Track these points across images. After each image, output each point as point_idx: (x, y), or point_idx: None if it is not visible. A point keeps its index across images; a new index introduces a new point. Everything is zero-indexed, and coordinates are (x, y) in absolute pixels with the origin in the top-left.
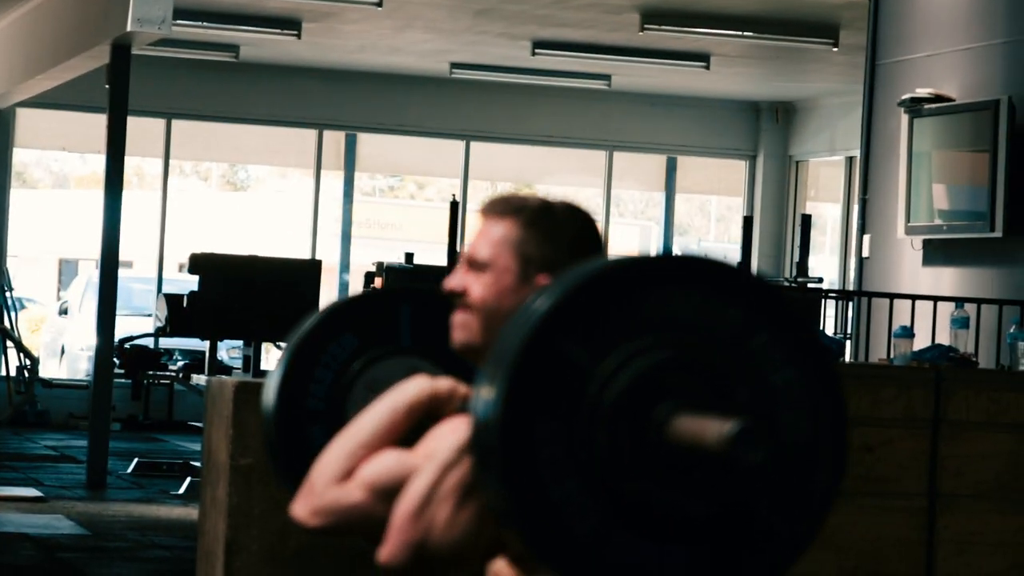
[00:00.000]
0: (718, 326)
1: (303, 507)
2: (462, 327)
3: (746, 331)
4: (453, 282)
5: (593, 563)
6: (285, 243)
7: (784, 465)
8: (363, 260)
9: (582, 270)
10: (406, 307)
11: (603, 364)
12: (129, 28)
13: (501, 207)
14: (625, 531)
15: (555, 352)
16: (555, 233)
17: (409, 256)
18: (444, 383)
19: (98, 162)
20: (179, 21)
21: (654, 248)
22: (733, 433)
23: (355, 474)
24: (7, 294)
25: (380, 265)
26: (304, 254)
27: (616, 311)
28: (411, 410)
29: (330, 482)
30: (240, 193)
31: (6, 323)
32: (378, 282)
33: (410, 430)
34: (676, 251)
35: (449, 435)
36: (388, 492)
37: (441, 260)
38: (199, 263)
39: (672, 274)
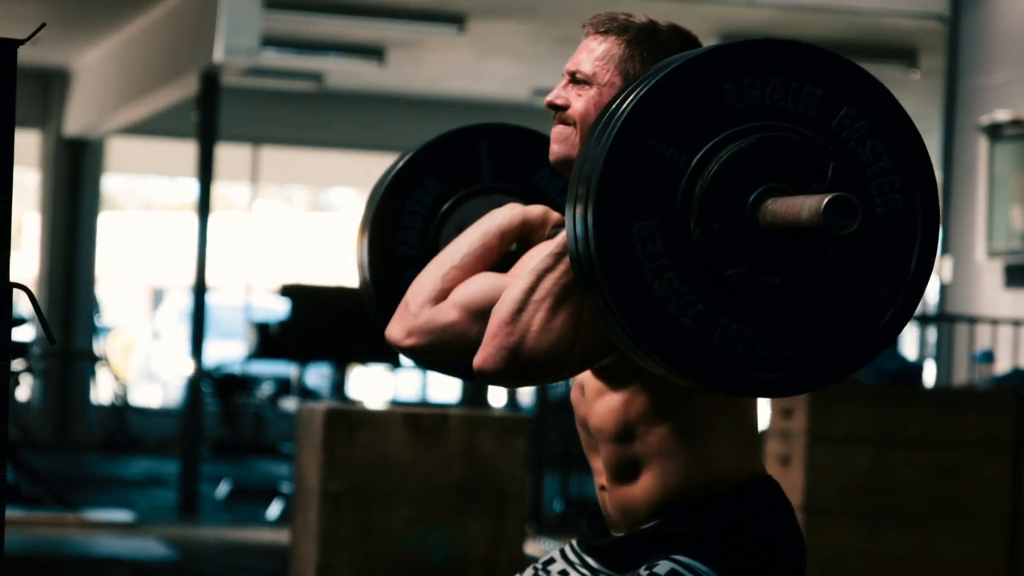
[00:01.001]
0: (801, 107)
1: (398, 328)
2: (561, 140)
3: (829, 108)
4: (554, 96)
5: (701, 353)
6: None
7: (879, 234)
8: None
9: (660, 66)
10: (483, 144)
11: (692, 156)
12: (217, 59)
13: (607, 24)
14: (730, 319)
15: (643, 147)
16: (658, 51)
17: None
18: (536, 209)
19: (186, 188)
20: (265, 48)
21: None
22: (825, 205)
23: (449, 295)
24: (96, 320)
25: None
26: None
27: (698, 103)
28: (504, 234)
29: (424, 303)
30: (324, 215)
31: (96, 349)
32: None
33: (503, 256)
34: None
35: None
36: (482, 312)
37: None
38: (290, 291)
39: (748, 58)
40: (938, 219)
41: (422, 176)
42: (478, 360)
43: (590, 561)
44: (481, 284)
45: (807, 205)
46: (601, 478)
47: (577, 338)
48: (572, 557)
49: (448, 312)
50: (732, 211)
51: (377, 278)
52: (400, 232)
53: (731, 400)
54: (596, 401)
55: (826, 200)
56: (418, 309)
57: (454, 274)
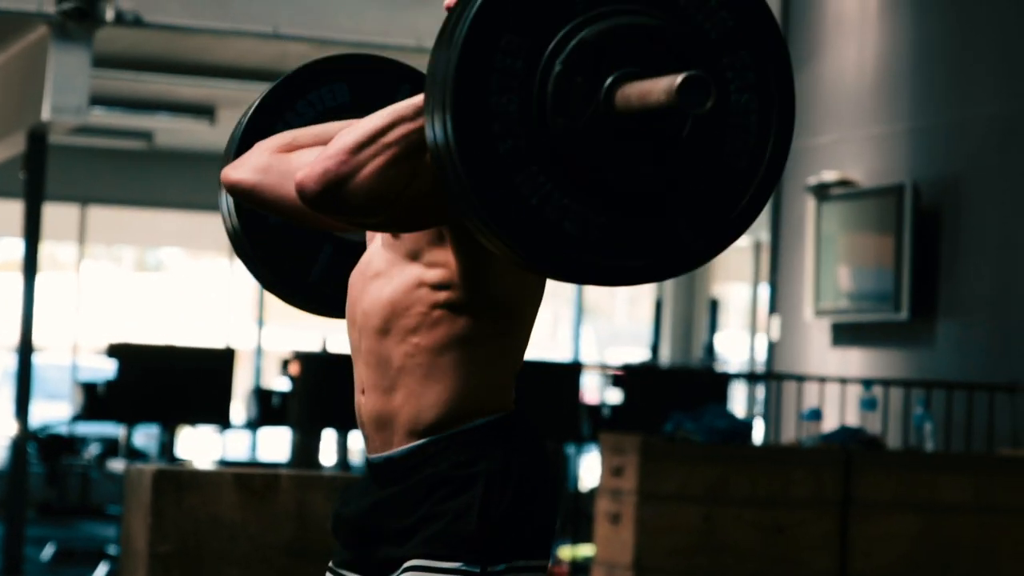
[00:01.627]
0: None
1: (234, 165)
2: None
3: None
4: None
5: (535, 225)
6: (198, 323)
7: (733, 118)
8: (278, 343)
9: None
10: (343, 79)
11: (545, 45)
12: (45, 117)
13: None
14: (585, 207)
15: (494, 45)
16: None
17: (324, 343)
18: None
19: (11, 247)
20: (93, 107)
21: (563, 331)
22: (679, 84)
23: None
24: None
25: (296, 353)
26: (217, 337)
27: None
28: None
29: (269, 149)
30: (153, 275)
31: None
32: (293, 369)
33: None
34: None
35: None
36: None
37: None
38: (117, 350)
39: None
40: (790, 70)
41: (284, 111)
42: (301, 175)
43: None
44: (335, 125)
45: (660, 85)
46: (361, 383)
47: (404, 193)
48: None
49: (286, 160)
50: (587, 104)
51: (246, 223)
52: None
53: (501, 331)
54: (372, 284)
55: (679, 79)
56: (260, 152)
57: (307, 140)
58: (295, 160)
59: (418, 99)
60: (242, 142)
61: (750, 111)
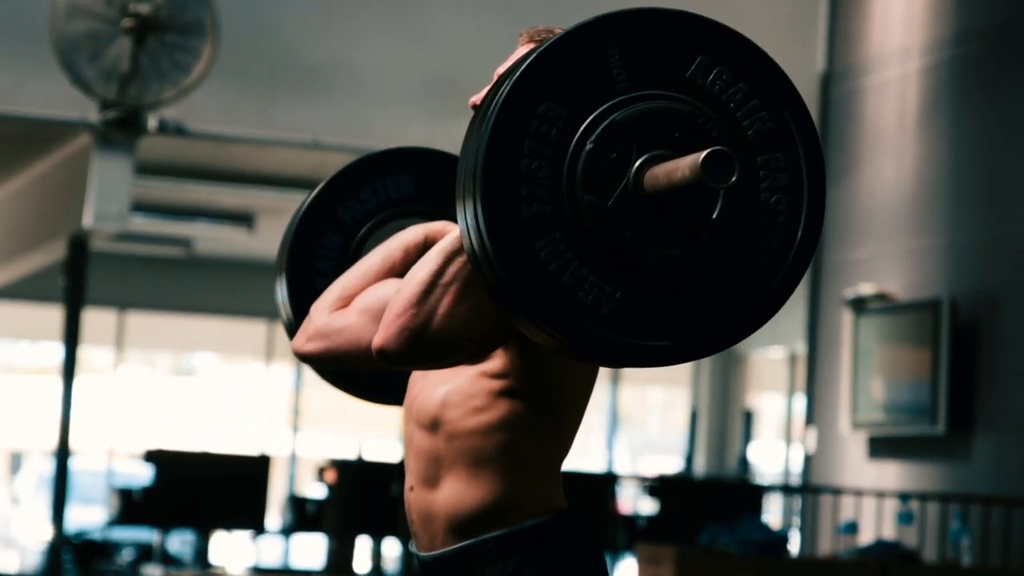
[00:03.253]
0: (683, 75)
1: (300, 336)
2: None
3: (710, 73)
4: (479, 97)
5: (594, 324)
6: (232, 428)
7: (764, 201)
8: (313, 448)
9: (551, 38)
10: (408, 172)
11: (574, 130)
12: (86, 224)
13: (541, 35)
14: (619, 289)
15: (532, 107)
16: None
17: (359, 450)
18: (437, 223)
19: (48, 352)
20: (134, 213)
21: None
22: (703, 159)
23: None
24: None
25: (332, 461)
26: (251, 442)
27: (584, 71)
28: (407, 249)
29: (324, 309)
30: (188, 380)
31: None
32: (329, 476)
33: (405, 271)
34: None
35: None
36: (380, 314)
37: (393, 452)
38: (154, 456)
39: (630, 25)
40: (823, 178)
41: (347, 196)
42: (379, 339)
43: None
44: (381, 289)
45: (686, 161)
46: (411, 477)
47: (479, 325)
48: None
49: (346, 315)
50: (617, 183)
51: (298, 312)
52: (318, 263)
53: (550, 421)
54: (429, 380)
55: (704, 155)
56: (318, 315)
57: (356, 284)
58: (355, 309)
59: (457, 232)
60: (302, 224)
61: (779, 212)
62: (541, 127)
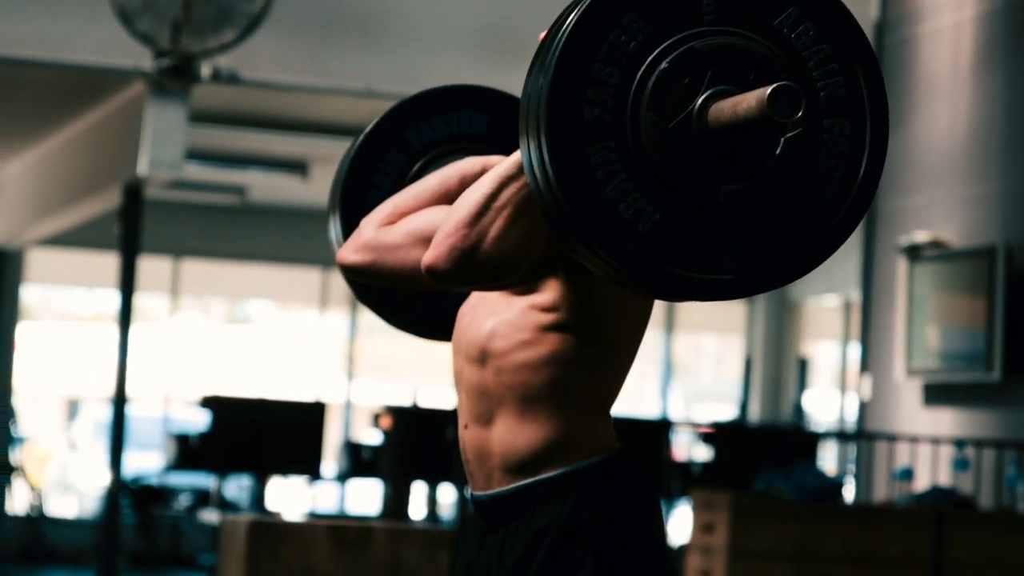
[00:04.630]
0: (771, 22)
1: (347, 247)
2: None
3: (798, 26)
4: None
5: (651, 254)
6: (288, 377)
7: (806, 187)
8: (368, 395)
9: None
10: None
11: (660, 39)
12: (141, 171)
13: None
14: (678, 221)
15: (617, 16)
16: None
17: (414, 397)
18: (496, 157)
19: (104, 299)
20: (188, 161)
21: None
22: (769, 94)
23: (400, 222)
24: (12, 430)
25: (387, 407)
26: (306, 389)
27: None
28: (463, 178)
29: (374, 225)
30: (243, 327)
31: (11, 459)
32: (385, 422)
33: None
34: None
35: None
36: (428, 239)
37: (448, 399)
38: (210, 402)
39: None
40: (883, 156)
41: (419, 120)
42: (429, 257)
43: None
44: (432, 214)
45: (753, 94)
46: (464, 416)
47: (529, 250)
48: None
49: (395, 232)
50: (682, 108)
51: (347, 219)
52: (376, 178)
53: (601, 358)
54: (479, 314)
55: (770, 89)
56: (367, 229)
57: (409, 204)
58: (404, 230)
59: (517, 156)
60: (370, 136)
61: (834, 177)
62: (621, 37)
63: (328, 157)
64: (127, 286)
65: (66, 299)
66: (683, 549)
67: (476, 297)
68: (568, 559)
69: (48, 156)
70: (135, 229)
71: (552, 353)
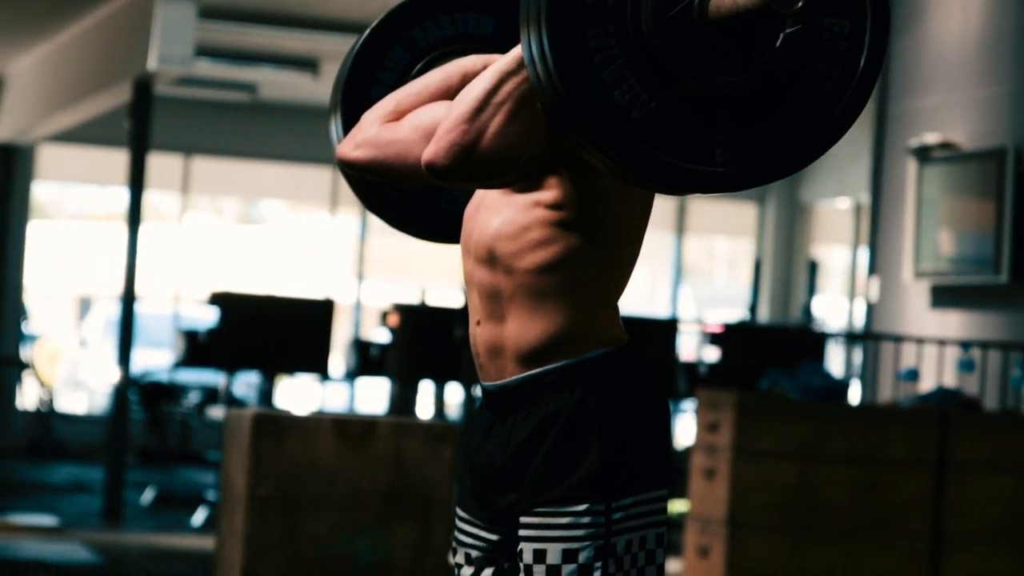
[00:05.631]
0: None
1: (347, 142)
2: None
3: None
4: None
5: (651, 146)
6: (298, 277)
7: (802, 84)
8: (377, 296)
9: None
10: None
11: None
12: (151, 67)
13: None
14: (678, 113)
15: None
16: None
17: (423, 296)
18: (497, 55)
19: (116, 197)
20: (198, 58)
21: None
22: None
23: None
24: (23, 327)
25: (395, 305)
26: (317, 289)
27: None
28: (465, 75)
29: (376, 120)
30: (254, 227)
31: (22, 356)
32: (392, 320)
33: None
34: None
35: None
36: (431, 134)
37: (457, 299)
38: (219, 299)
39: None
40: (881, 58)
41: (424, 17)
42: (429, 153)
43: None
44: (434, 109)
45: None
46: (476, 313)
47: (529, 146)
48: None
49: (397, 128)
50: (683, 1)
51: (348, 112)
52: (379, 73)
53: (608, 253)
54: (485, 213)
55: None
56: (369, 124)
57: (411, 100)
58: (407, 125)
59: (516, 51)
60: (375, 32)
61: (830, 76)
62: None
63: (339, 55)
64: (136, 183)
65: (78, 197)
66: (688, 449)
67: (479, 196)
68: (575, 444)
69: (57, 51)
70: (145, 125)
71: (560, 251)
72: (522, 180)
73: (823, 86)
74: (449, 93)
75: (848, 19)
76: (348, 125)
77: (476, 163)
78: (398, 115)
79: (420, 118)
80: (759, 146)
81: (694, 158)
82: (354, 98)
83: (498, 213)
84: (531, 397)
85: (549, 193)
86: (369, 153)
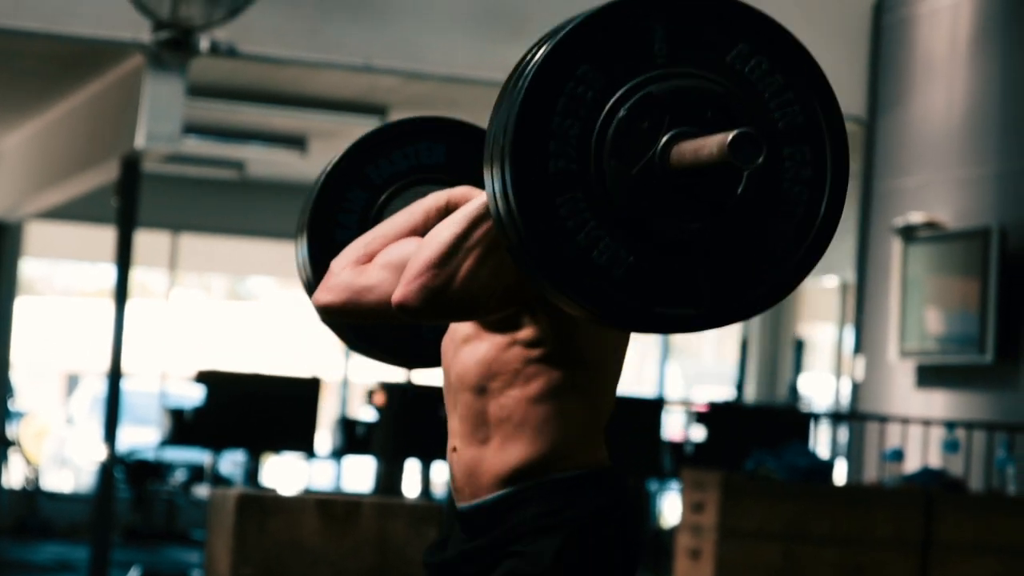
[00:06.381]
0: (723, 59)
1: (320, 290)
2: None
3: (749, 60)
4: None
5: (616, 290)
6: (285, 352)
7: (786, 177)
8: (364, 374)
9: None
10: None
11: (615, 87)
12: (139, 145)
13: None
14: (642, 258)
15: (571, 69)
16: None
17: (409, 375)
18: (460, 188)
19: (104, 274)
20: (186, 135)
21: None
22: (731, 141)
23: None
24: (9, 404)
25: (382, 384)
26: (304, 366)
27: (626, 41)
28: (427, 213)
29: (346, 265)
30: (242, 304)
31: (8, 433)
32: (379, 399)
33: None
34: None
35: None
36: (402, 268)
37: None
38: (206, 377)
39: (677, 4)
40: (846, 177)
41: (378, 156)
42: (399, 294)
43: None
44: (404, 246)
45: (714, 140)
46: (455, 439)
47: (498, 286)
48: None
49: (367, 271)
50: (644, 153)
51: (316, 260)
52: (340, 216)
53: (589, 382)
54: (464, 348)
55: (731, 136)
56: (340, 270)
57: (378, 243)
58: (376, 267)
59: (484, 197)
60: (330, 176)
61: (799, 203)
62: (577, 88)
63: (327, 132)
64: (124, 260)
65: (66, 274)
66: (674, 529)
67: (453, 328)
68: (537, 545)
69: (46, 128)
70: (133, 203)
71: (547, 385)
72: (492, 315)
73: (792, 212)
74: (415, 232)
75: (807, 144)
76: (316, 268)
77: (446, 304)
78: (367, 258)
79: (389, 256)
80: (739, 283)
81: (678, 303)
82: (319, 243)
83: (479, 346)
84: (505, 514)
85: (525, 332)
86: (341, 296)
